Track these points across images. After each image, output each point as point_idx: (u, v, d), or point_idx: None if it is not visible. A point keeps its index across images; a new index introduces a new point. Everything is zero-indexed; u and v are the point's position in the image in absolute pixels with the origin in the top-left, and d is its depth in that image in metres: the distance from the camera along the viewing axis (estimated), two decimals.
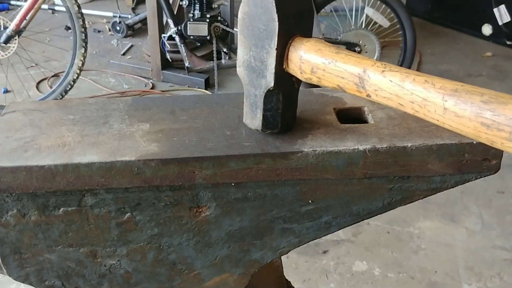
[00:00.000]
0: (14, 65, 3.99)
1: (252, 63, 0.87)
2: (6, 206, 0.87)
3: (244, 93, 0.92)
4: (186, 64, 3.90)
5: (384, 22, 3.98)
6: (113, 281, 0.97)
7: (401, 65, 3.28)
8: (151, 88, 4.06)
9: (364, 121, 0.97)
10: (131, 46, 4.82)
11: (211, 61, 3.86)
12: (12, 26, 3.39)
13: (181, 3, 3.88)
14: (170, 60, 4.11)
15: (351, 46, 3.71)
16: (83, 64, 3.60)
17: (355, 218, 0.95)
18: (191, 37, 3.82)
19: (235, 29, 3.99)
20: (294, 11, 0.84)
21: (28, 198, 0.86)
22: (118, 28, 4.97)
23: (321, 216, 0.93)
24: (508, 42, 4.78)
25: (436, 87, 0.72)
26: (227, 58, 3.87)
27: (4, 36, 3.39)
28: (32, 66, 4.18)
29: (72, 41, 3.57)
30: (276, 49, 0.83)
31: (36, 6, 3.39)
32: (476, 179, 0.92)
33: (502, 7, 4.66)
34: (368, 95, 0.79)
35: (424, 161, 0.88)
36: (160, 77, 4.15)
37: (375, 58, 3.70)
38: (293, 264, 2.36)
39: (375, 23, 4.00)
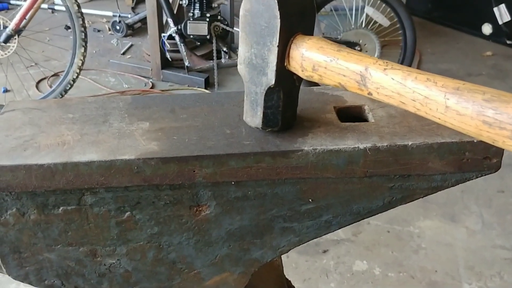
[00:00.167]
0: (14, 64, 3.98)
1: (253, 60, 0.87)
2: (5, 205, 0.87)
3: (244, 91, 0.91)
4: (186, 64, 3.90)
5: (384, 21, 3.98)
6: (112, 280, 0.97)
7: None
8: (151, 88, 4.05)
9: (364, 119, 0.97)
10: (131, 45, 4.82)
11: (211, 61, 3.85)
12: (11, 25, 3.39)
13: (181, 2, 3.88)
14: (170, 59, 4.11)
15: (351, 45, 3.70)
16: (82, 63, 3.60)
17: (355, 217, 0.94)
18: (191, 36, 3.82)
19: (235, 28, 3.99)
20: (296, 9, 0.83)
21: (28, 197, 0.86)
22: (118, 27, 4.97)
23: (321, 215, 0.93)
24: (508, 42, 4.77)
25: (438, 85, 0.71)
26: (227, 57, 3.87)
27: (3, 36, 3.39)
28: (31, 65, 4.18)
29: (72, 40, 3.57)
30: (278, 46, 0.83)
31: (35, 5, 3.39)
32: (477, 177, 0.92)
33: (502, 6, 4.65)
34: (369, 93, 0.79)
35: (424, 159, 0.88)
36: (160, 76, 4.15)
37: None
38: (293, 264, 2.36)
39: (375, 22, 4.00)
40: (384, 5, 3.77)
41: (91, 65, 4.32)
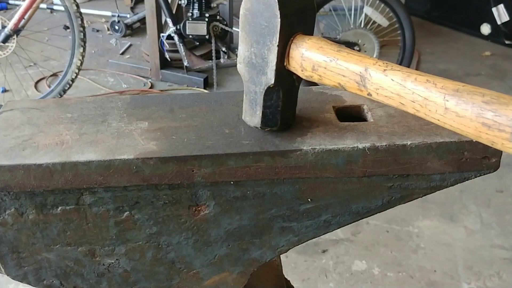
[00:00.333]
0: (13, 64, 3.98)
1: (253, 59, 0.87)
2: (3, 205, 0.86)
3: (243, 90, 0.91)
4: (185, 64, 3.90)
5: (383, 22, 3.98)
6: (111, 280, 0.97)
7: (400, 64, 3.28)
8: (150, 88, 4.05)
9: (363, 119, 0.97)
10: (130, 45, 4.82)
11: (210, 61, 3.85)
12: (10, 25, 3.39)
13: (180, 2, 3.88)
14: (169, 59, 4.11)
15: (350, 45, 3.70)
16: (81, 63, 3.59)
17: (354, 216, 0.94)
18: (190, 36, 3.82)
19: (234, 28, 3.99)
20: (297, 8, 0.83)
21: (26, 197, 0.86)
22: (116, 27, 4.96)
23: (320, 214, 0.93)
24: (506, 42, 4.78)
25: (437, 87, 0.71)
26: (226, 57, 3.87)
27: (2, 35, 3.39)
28: (30, 65, 4.18)
29: (71, 40, 3.56)
30: (278, 45, 0.83)
31: (34, 5, 3.38)
32: (476, 177, 0.92)
33: (501, 6, 4.65)
34: (369, 94, 0.79)
35: (423, 159, 0.88)
36: (159, 76, 4.15)
37: (374, 57, 3.69)
38: (292, 264, 2.36)
39: (374, 22, 4.00)
40: (383, 5, 3.77)
41: (90, 65, 4.32)
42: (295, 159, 0.86)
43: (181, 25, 3.79)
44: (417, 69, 4.07)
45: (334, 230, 0.96)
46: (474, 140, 0.86)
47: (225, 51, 3.87)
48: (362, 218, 0.95)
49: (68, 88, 3.61)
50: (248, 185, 0.88)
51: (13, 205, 0.87)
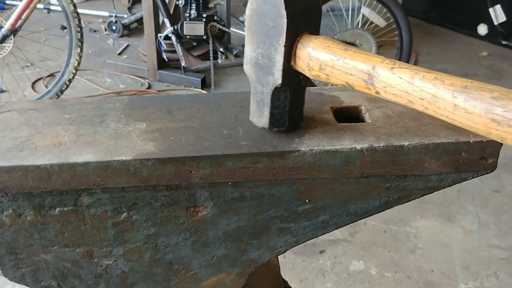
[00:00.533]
0: (10, 64, 3.97)
1: (260, 60, 0.87)
2: (1, 206, 0.86)
3: (250, 90, 0.91)
4: (183, 64, 3.90)
5: (381, 22, 3.99)
6: (109, 281, 0.97)
7: None
8: (147, 88, 4.05)
9: (361, 120, 0.97)
10: (127, 45, 4.81)
11: (208, 61, 3.85)
12: (7, 25, 3.38)
13: (177, 2, 3.87)
14: (166, 59, 4.10)
15: None
16: (79, 63, 3.59)
17: (352, 217, 0.94)
18: (188, 36, 3.82)
19: (231, 28, 3.99)
20: (303, 8, 0.84)
21: (24, 198, 0.86)
22: (114, 27, 4.96)
23: (318, 215, 0.93)
24: (503, 42, 4.79)
25: (445, 84, 0.72)
26: (223, 57, 3.87)
27: None
28: (27, 65, 4.17)
29: (68, 40, 3.56)
30: (284, 46, 0.83)
31: (31, 5, 3.38)
32: (473, 178, 0.92)
33: (498, 7, 4.67)
34: (377, 92, 0.79)
35: (421, 160, 0.88)
36: (156, 76, 4.14)
37: None
38: (290, 264, 2.36)
39: (372, 22, 4.00)
40: (380, 5, 3.78)
41: (87, 65, 4.32)
42: (293, 160, 0.86)
43: (179, 25, 3.79)
44: None
45: (332, 230, 0.97)
46: (471, 140, 0.87)
47: (223, 51, 3.87)
48: (360, 219, 0.95)
49: (65, 88, 3.61)
50: (246, 186, 0.89)
51: (10, 206, 0.86)
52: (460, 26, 5.10)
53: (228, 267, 0.98)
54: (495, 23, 4.72)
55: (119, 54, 4.65)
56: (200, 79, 4.00)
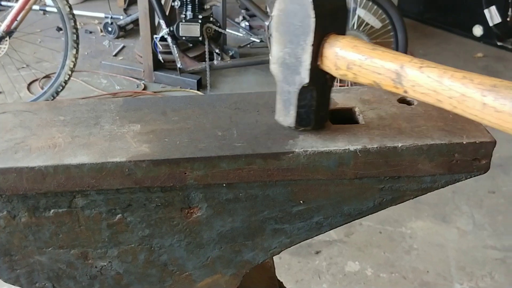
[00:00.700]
0: (5, 66, 3.97)
1: (287, 59, 0.88)
2: None
3: (277, 90, 0.92)
4: (178, 65, 3.90)
5: (376, 23, 4.00)
6: (104, 282, 0.97)
7: None
8: (143, 89, 4.05)
9: (355, 121, 0.97)
10: (123, 47, 4.81)
11: (203, 62, 3.85)
12: (2, 27, 3.38)
13: (173, 4, 3.88)
14: (162, 61, 4.10)
15: None
16: (74, 65, 3.58)
17: (346, 218, 0.95)
18: (183, 38, 3.82)
19: (227, 30, 3.99)
20: (330, 8, 0.85)
21: (18, 200, 0.86)
22: (110, 29, 4.96)
23: (312, 216, 0.93)
24: (498, 43, 4.80)
25: (474, 83, 0.72)
26: (219, 59, 3.87)
27: None
28: (23, 67, 4.16)
29: (64, 42, 3.55)
30: (312, 45, 0.84)
31: (27, 7, 3.37)
32: (466, 179, 0.93)
33: (493, 8, 4.68)
34: (405, 91, 0.80)
35: (414, 161, 0.88)
36: (152, 78, 4.14)
37: None
38: (285, 265, 2.37)
39: (367, 24, 4.01)
40: (375, 7, 3.79)
41: (83, 66, 4.31)
42: (287, 162, 0.87)
43: (174, 26, 3.79)
44: None
45: (326, 231, 0.97)
46: (464, 141, 0.87)
47: (219, 52, 3.87)
48: (354, 220, 0.96)
49: (61, 90, 3.60)
50: (240, 187, 0.89)
51: (5, 208, 0.87)
52: (456, 27, 5.12)
53: (222, 268, 0.98)
54: (490, 24, 4.74)
55: (115, 55, 4.65)
56: (196, 81, 4.00)
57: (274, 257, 1.23)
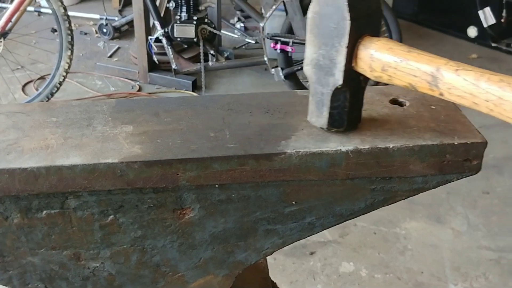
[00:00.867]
0: (0, 67, 3.96)
1: (321, 61, 0.88)
2: None
3: (309, 91, 0.92)
4: (173, 66, 3.90)
5: None
6: (96, 283, 0.97)
7: None
8: (138, 91, 4.05)
9: None
10: (118, 48, 4.81)
11: (198, 63, 3.85)
12: None
13: (168, 5, 3.88)
14: (157, 62, 4.11)
15: None
16: (69, 66, 3.58)
17: (338, 218, 0.95)
18: (178, 39, 3.82)
19: (222, 31, 4.00)
20: (365, 11, 0.85)
21: (11, 201, 0.86)
22: (104, 30, 4.95)
23: (304, 217, 0.94)
24: (493, 44, 4.83)
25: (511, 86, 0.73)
26: (214, 60, 3.87)
27: None
28: (18, 68, 4.15)
29: (58, 43, 3.55)
30: (347, 47, 0.84)
31: (21, 8, 3.37)
32: (458, 179, 0.93)
33: (487, 9, 4.70)
34: (441, 94, 0.80)
35: (406, 162, 0.89)
36: (147, 79, 4.14)
37: None
38: (280, 266, 2.37)
39: None
40: None
41: (77, 68, 4.31)
42: (279, 162, 0.87)
43: (169, 28, 3.79)
44: None
45: (318, 232, 0.97)
46: (456, 142, 0.88)
47: (213, 53, 3.87)
48: (346, 220, 0.96)
49: (56, 91, 3.60)
50: (233, 188, 0.89)
51: None
52: (450, 28, 5.14)
53: (215, 269, 0.98)
54: (485, 25, 4.76)
55: (110, 56, 4.65)
56: (191, 82, 4.00)
57: (268, 258, 1.24)
